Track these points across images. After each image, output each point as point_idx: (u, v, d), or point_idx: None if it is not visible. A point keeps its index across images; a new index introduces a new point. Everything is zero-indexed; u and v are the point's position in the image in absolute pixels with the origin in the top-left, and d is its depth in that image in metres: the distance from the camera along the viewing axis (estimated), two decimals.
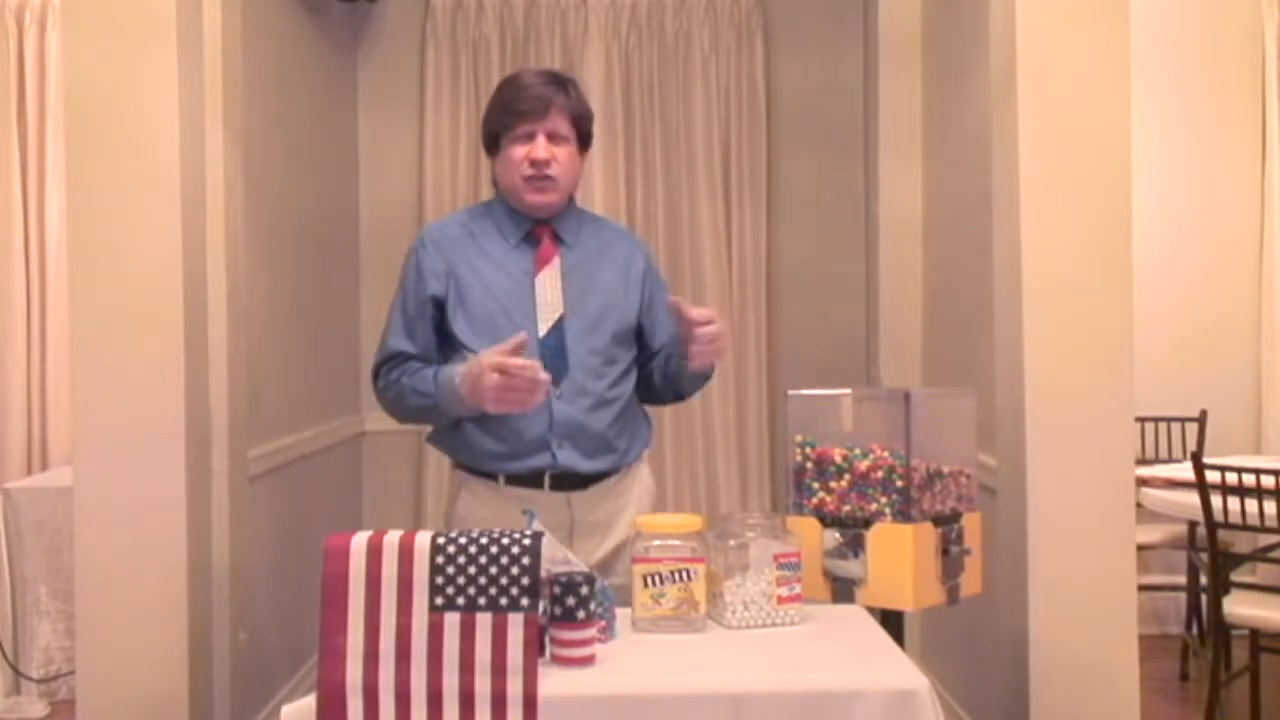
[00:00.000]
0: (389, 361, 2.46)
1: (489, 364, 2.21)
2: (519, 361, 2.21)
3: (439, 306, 2.44)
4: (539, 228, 2.46)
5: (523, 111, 2.40)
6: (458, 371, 2.30)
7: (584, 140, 2.50)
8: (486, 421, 2.38)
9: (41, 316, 4.66)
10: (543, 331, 2.38)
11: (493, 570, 1.78)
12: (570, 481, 2.40)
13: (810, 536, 2.24)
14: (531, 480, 2.39)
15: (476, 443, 2.42)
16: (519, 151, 2.41)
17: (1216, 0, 4.84)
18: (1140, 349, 2.94)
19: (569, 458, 2.38)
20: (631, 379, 2.51)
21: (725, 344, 2.39)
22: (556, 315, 2.40)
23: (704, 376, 2.52)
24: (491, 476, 2.43)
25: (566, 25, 4.58)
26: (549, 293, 2.41)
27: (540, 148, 2.40)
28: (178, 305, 2.83)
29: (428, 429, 2.55)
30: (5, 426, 4.61)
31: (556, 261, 2.43)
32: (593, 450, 2.40)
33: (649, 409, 2.62)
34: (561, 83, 2.46)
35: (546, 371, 2.29)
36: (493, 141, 2.48)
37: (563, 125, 2.42)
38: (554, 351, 2.38)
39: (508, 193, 2.48)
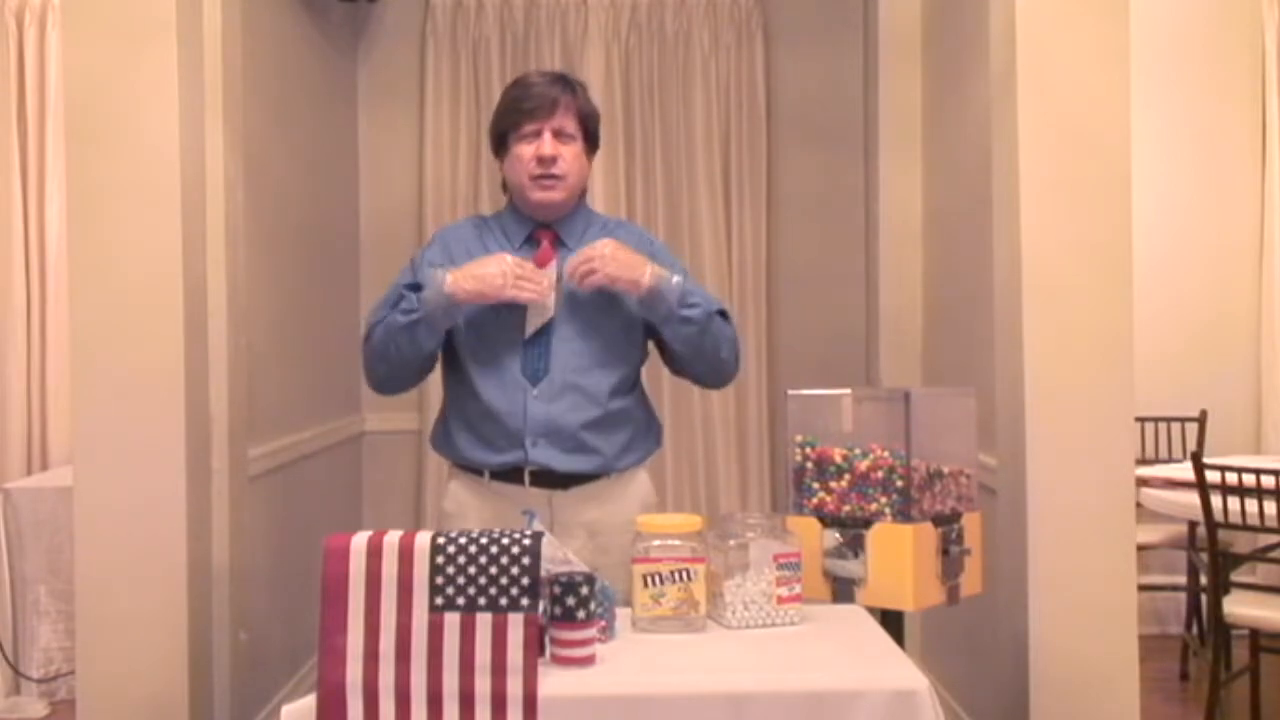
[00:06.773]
0: (371, 330, 2.45)
1: (512, 260, 2.34)
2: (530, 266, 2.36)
3: None
4: (541, 231, 2.48)
5: (530, 110, 2.42)
6: (448, 269, 2.35)
7: (591, 141, 2.51)
8: (469, 416, 2.42)
9: (41, 316, 4.65)
10: (528, 333, 2.40)
11: (493, 570, 1.79)
12: (550, 480, 2.41)
13: (810, 536, 2.24)
14: (513, 476, 2.41)
15: (462, 438, 2.45)
16: (526, 150, 2.43)
17: (1216, 0, 4.84)
18: (1140, 349, 2.94)
19: (543, 455, 2.38)
20: (634, 384, 2.51)
21: (598, 271, 2.33)
22: (546, 318, 2.41)
23: (695, 325, 2.39)
24: (478, 472, 2.46)
25: (566, 25, 4.58)
26: None
27: (547, 144, 2.41)
28: (178, 305, 2.83)
29: (429, 429, 2.54)
30: (5, 426, 4.60)
31: (553, 265, 2.43)
32: (569, 449, 2.39)
33: (659, 420, 2.59)
34: (568, 83, 2.48)
35: (527, 371, 2.38)
36: (500, 142, 2.50)
37: (570, 124, 2.44)
38: (536, 354, 2.40)
39: (515, 193, 2.50)
